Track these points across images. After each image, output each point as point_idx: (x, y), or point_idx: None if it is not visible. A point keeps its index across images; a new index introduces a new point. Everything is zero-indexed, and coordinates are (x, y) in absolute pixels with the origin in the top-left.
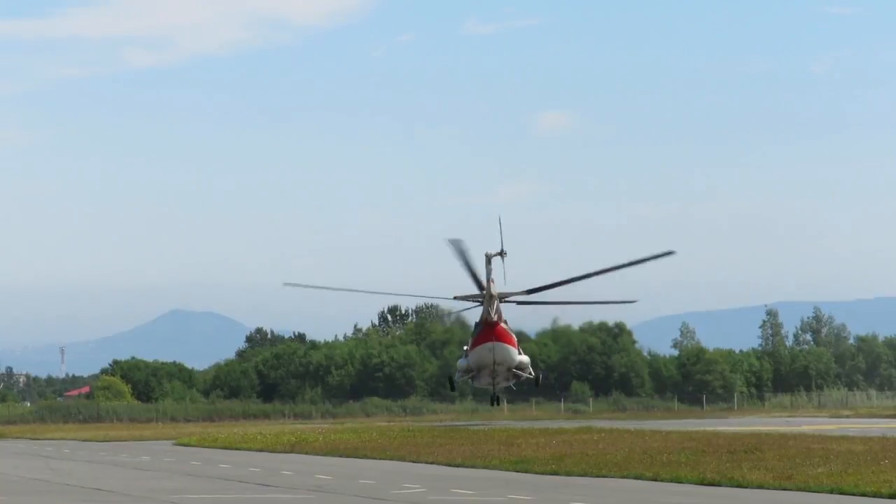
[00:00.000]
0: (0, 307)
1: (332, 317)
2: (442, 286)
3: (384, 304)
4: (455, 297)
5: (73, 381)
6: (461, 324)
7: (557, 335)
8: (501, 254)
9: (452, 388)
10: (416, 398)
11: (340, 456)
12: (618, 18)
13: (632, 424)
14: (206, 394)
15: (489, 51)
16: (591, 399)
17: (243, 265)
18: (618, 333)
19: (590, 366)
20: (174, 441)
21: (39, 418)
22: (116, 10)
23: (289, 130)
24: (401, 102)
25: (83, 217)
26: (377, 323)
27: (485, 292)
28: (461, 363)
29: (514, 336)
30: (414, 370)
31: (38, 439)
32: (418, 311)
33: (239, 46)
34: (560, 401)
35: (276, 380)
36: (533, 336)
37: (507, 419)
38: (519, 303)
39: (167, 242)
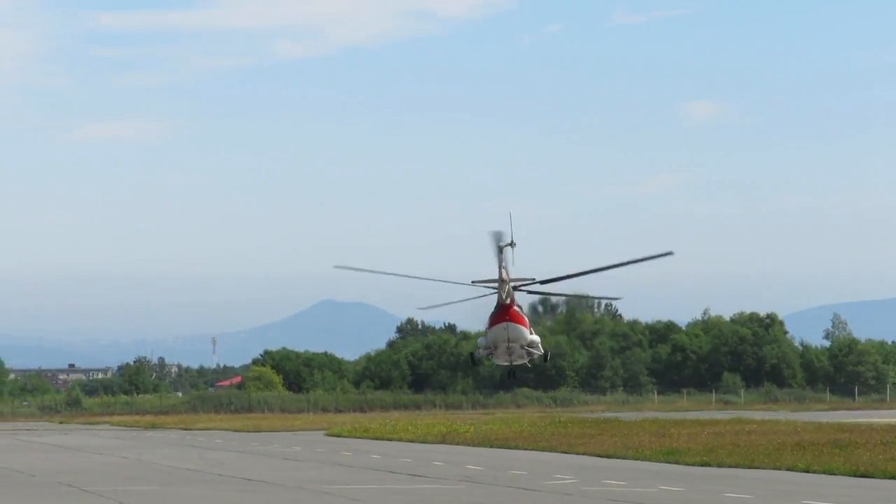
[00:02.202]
0: (152, 298)
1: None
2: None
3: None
4: (473, 282)
5: (225, 372)
6: (612, 315)
7: (708, 326)
8: (511, 244)
9: (473, 363)
10: (566, 389)
11: (491, 447)
12: (766, 7)
13: (783, 415)
14: (357, 384)
15: (637, 41)
16: (742, 390)
17: (394, 255)
18: (769, 324)
19: (741, 357)
20: (325, 431)
21: (191, 409)
22: (267, 2)
23: (437, 119)
24: (547, 92)
25: (235, 209)
26: (527, 313)
27: (499, 278)
28: (481, 341)
29: (525, 317)
30: (564, 360)
31: (190, 429)
32: (568, 302)
33: (387, 37)
34: (711, 392)
35: (427, 370)
36: (684, 327)
37: (658, 410)
38: (530, 291)
39: (319, 233)
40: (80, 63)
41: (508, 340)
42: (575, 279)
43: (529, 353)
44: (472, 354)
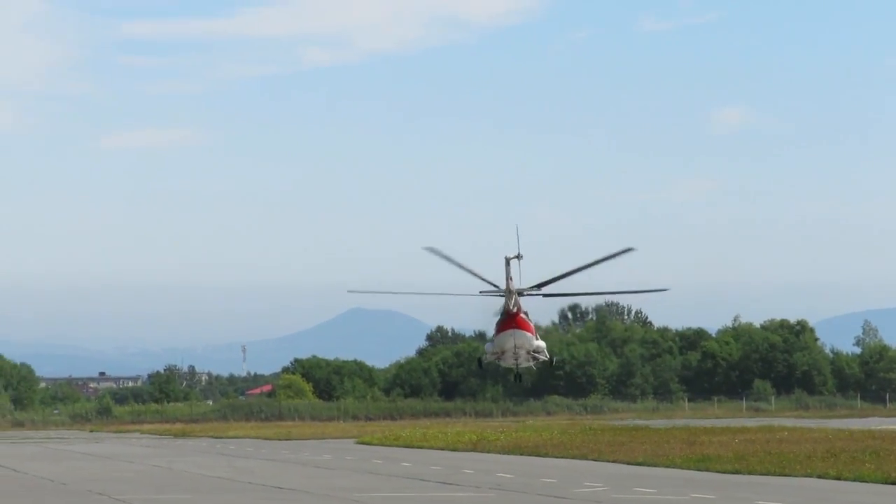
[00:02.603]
0: (182, 306)
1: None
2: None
3: (563, 302)
4: (481, 292)
5: (255, 380)
6: (642, 322)
7: (739, 333)
8: (518, 257)
9: (480, 367)
10: (596, 396)
11: (522, 454)
12: (793, 13)
13: (814, 423)
14: (387, 392)
15: (665, 47)
16: (772, 397)
17: (423, 263)
18: (800, 331)
19: (771, 364)
20: (356, 439)
21: (221, 416)
22: (295, 10)
23: (465, 127)
24: (575, 100)
25: (265, 216)
26: (557, 321)
27: (505, 288)
28: (488, 347)
29: (531, 324)
30: (594, 368)
31: (221, 437)
32: (598, 310)
33: (415, 45)
34: (742, 399)
35: (457, 378)
36: (714, 334)
37: (689, 417)
38: (545, 295)
39: (349, 241)
40: (109, 71)
41: (515, 346)
42: (569, 279)
43: (535, 358)
44: (479, 360)
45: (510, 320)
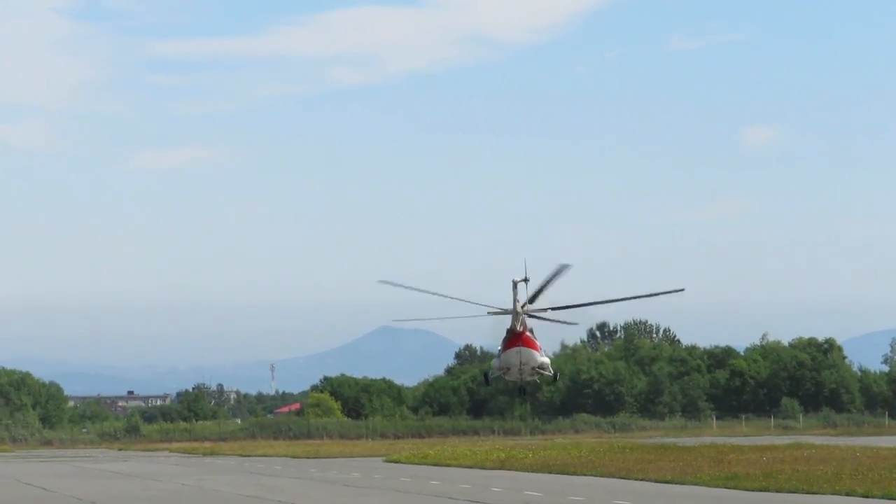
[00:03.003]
0: (211, 325)
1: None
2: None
3: (591, 320)
4: (489, 313)
5: (283, 398)
6: (670, 340)
7: (767, 351)
8: (525, 280)
9: (487, 383)
10: (625, 414)
11: (550, 472)
12: (824, 31)
13: (842, 440)
14: (416, 410)
15: (695, 66)
16: (800, 415)
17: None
18: (828, 349)
19: (800, 382)
20: (384, 457)
21: (250, 435)
22: (325, 30)
23: (494, 145)
24: (606, 118)
25: (293, 235)
26: (585, 339)
27: (512, 308)
28: (494, 363)
29: (536, 341)
30: (623, 386)
31: (249, 456)
32: (626, 328)
33: (444, 64)
34: (769, 417)
35: (486, 396)
36: (742, 352)
37: (717, 436)
38: (541, 318)
39: (376, 259)
40: (138, 90)
41: (521, 363)
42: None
43: (539, 374)
44: (485, 374)
45: (516, 339)
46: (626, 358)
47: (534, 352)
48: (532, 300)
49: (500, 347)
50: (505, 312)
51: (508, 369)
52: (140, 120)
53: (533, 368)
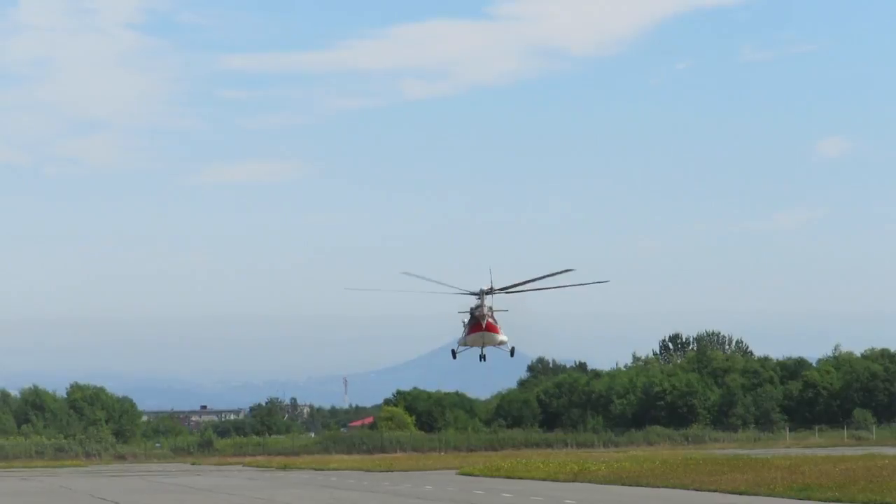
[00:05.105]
0: (285, 339)
1: (610, 341)
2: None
3: (664, 332)
4: (459, 312)
5: (357, 412)
6: (743, 352)
7: (839, 362)
8: (492, 291)
9: (454, 357)
10: (697, 426)
11: (623, 484)
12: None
13: None
14: (489, 423)
15: (766, 77)
16: (874, 426)
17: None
18: None
19: (872, 393)
20: (457, 470)
21: (323, 449)
22: (396, 43)
23: (564, 157)
24: (677, 129)
25: (366, 247)
26: (658, 351)
27: (480, 312)
28: (460, 340)
29: (497, 324)
30: (695, 398)
31: (322, 469)
32: (699, 339)
33: (515, 76)
34: (843, 428)
35: (559, 409)
36: (814, 363)
37: (790, 447)
38: (501, 291)
39: (452, 271)
40: (208, 105)
41: (484, 343)
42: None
43: (499, 346)
44: (453, 351)
45: (480, 325)
46: (698, 370)
47: (495, 334)
48: (505, 289)
49: (464, 329)
50: (472, 313)
51: (472, 345)
52: (210, 134)
53: (494, 345)
